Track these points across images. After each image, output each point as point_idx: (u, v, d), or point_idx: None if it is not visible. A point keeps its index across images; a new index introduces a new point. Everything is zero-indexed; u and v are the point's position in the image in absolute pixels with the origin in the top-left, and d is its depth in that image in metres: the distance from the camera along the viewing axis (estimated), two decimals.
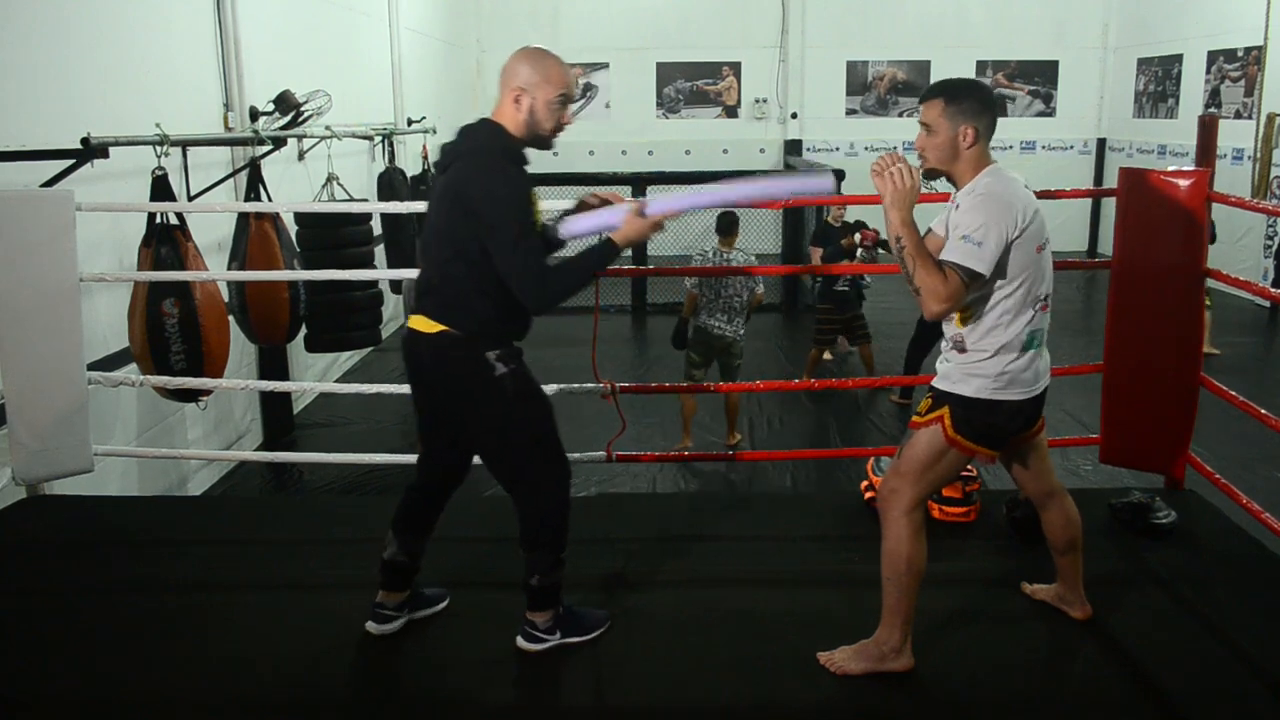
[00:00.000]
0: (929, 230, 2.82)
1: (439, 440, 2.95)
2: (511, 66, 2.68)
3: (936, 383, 2.74)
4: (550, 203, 3.27)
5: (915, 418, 2.76)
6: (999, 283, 2.58)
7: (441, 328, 2.69)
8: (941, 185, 2.79)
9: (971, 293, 2.59)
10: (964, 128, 2.61)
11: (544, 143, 2.73)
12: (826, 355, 7.82)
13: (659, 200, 2.76)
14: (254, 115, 6.03)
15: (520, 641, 2.91)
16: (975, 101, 2.63)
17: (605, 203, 2.89)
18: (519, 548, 2.85)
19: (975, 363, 2.64)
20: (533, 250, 2.61)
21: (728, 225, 6.14)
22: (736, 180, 2.92)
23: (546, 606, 2.89)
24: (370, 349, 7.70)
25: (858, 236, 6.82)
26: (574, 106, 2.80)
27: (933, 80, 14.33)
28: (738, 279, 5.89)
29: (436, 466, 2.99)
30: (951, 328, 2.69)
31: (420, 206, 7.33)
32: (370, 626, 3.00)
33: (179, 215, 4.44)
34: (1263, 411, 3.62)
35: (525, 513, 2.83)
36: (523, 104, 2.66)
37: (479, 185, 2.59)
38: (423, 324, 2.72)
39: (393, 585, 3.00)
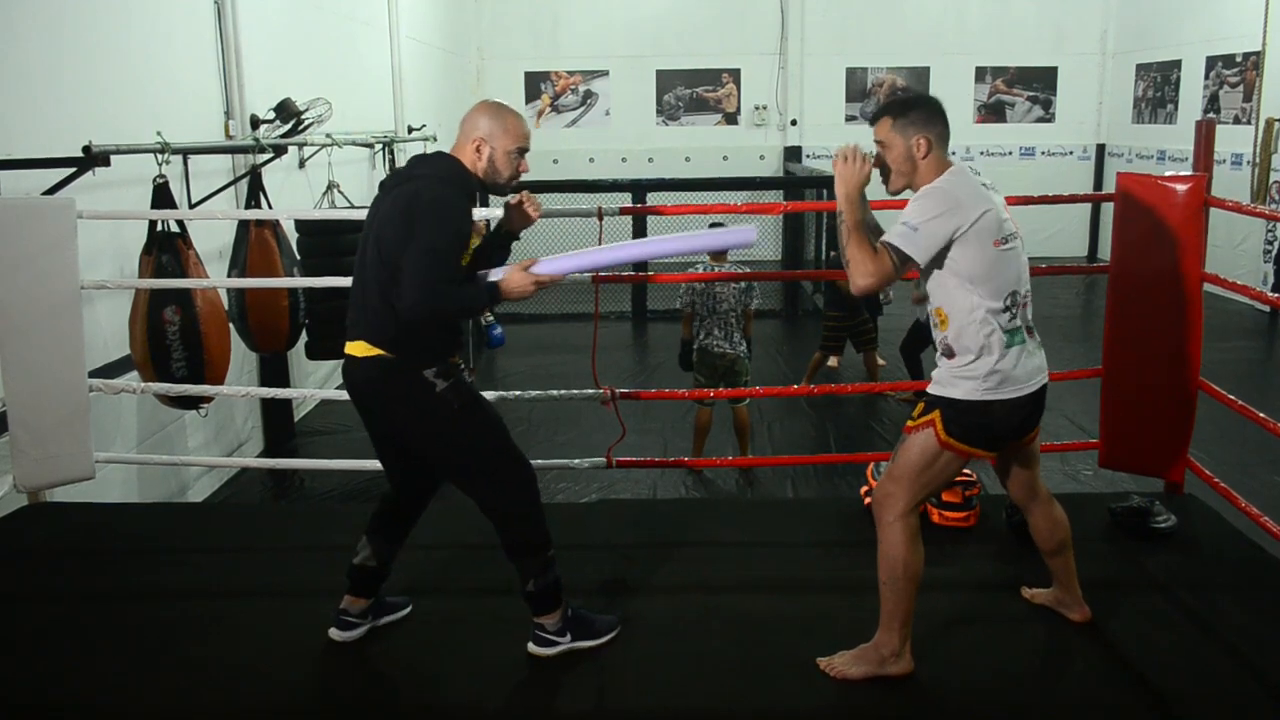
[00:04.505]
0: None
1: (397, 463, 2.97)
2: (473, 117, 2.80)
3: (929, 388, 2.77)
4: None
5: (909, 422, 2.78)
6: (963, 281, 2.62)
7: (377, 352, 2.72)
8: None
9: (903, 272, 2.66)
10: (916, 139, 2.67)
11: (500, 189, 2.87)
12: (831, 362, 7.80)
13: (549, 260, 2.81)
14: (255, 123, 6.04)
15: (531, 647, 2.92)
16: (922, 112, 2.69)
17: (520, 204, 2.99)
18: (507, 559, 2.86)
19: (963, 365, 2.67)
20: (443, 263, 2.62)
21: None
22: (646, 240, 2.96)
23: (551, 608, 2.89)
24: None
25: None
26: (529, 156, 2.89)
27: (931, 86, 14.39)
28: (730, 293, 5.62)
29: (401, 478, 3.00)
30: (938, 334, 2.73)
31: None
32: (333, 633, 3.01)
33: (180, 223, 4.45)
34: (1261, 416, 3.63)
35: (498, 523, 2.85)
36: (483, 152, 2.78)
37: (426, 202, 2.64)
38: (359, 349, 2.75)
39: (359, 591, 3.01)
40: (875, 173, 2.77)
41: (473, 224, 2.74)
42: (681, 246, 2.95)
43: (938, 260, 2.62)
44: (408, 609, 3.15)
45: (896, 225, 2.62)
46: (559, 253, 2.88)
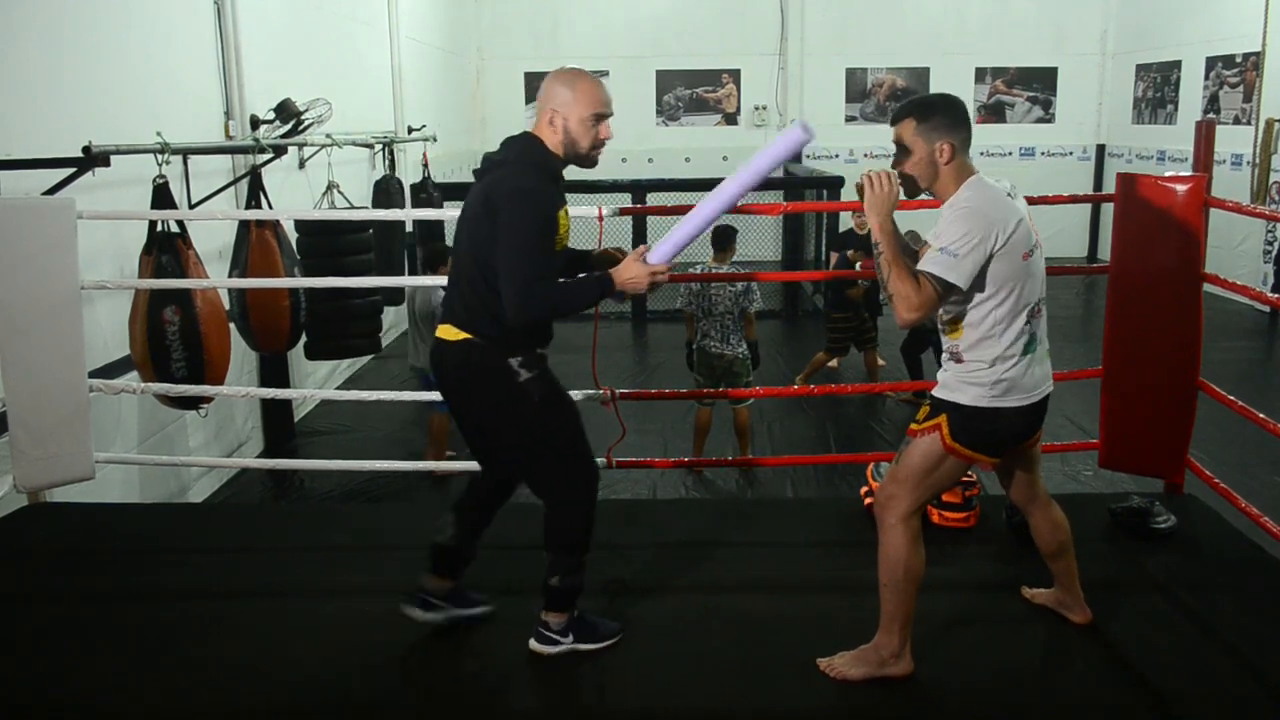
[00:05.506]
0: (924, 241, 2.85)
1: (484, 442, 2.97)
2: (546, 88, 2.75)
3: (935, 391, 2.75)
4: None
5: (913, 425, 2.77)
6: (988, 294, 2.59)
7: (465, 336, 2.72)
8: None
9: (946, 303, 2.60)
10: (939, 144, 2.60)
11: (584, 160, 2.80)
12: (832, 363, 7.79)
13: (659, 246, 2.78)
14: (255, 123, 6.04)
15: (533, 643, 2.91)
16: (947, 117, 2.62)
17: (613, 260, 2.93)
18: (544, 548, 2.86)
19: (972, 372, 2.65)
20: (533, 261, 2.61)
21: (723, 240, 5.76)
22: (727, 182, 2.89)
23: (563, 608, 2.89)
24: (370, 357, 7.72)
25: (859, 265, 6.84)
26: (612, 121, 2.81)
27: (931, 86, 14.42)
28: (727, 295, 5.60)
29: (490, 461, 3.00)
30: (947, 340, 2.71)
31: (419, 214, 7.40)
32: (414, 613, 2.98)
33: (180, 223, 4.45)
34: (1261, 416, 3.63)
35: (552, 514, 2.85)
36: (557, 124, 2.72)
37: (506, 190, 2.63)
38: (449, 333, 2.76)
39: (441, 570, 2.99)
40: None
41: (558, 205, 2.71)
42: (760, 169, 2.87)
43: None
44: (486, 608, 3.10)
45: (934, 252, 2.54)
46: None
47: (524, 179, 2.65)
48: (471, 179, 2.87)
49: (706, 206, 2.88)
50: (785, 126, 14.00)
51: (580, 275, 2.84)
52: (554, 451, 2.82)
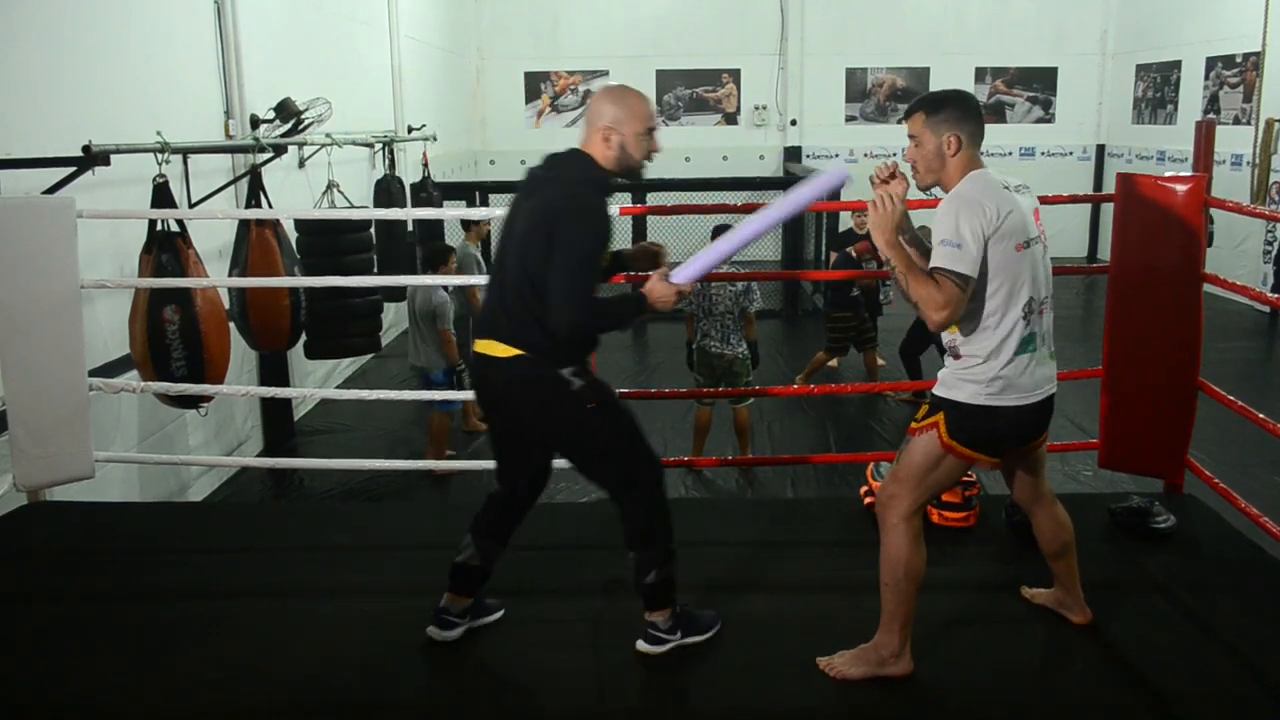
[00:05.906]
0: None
1: (518, 459, 2.98)
2: (597, 107, 2.80)
3: (935, 389, 2.76)
4: None
5: (913, 424, 2.77)
6: (981, 284, 2.60)
7: (516, 352, 2.74)
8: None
9: (970, 291, 2.60)
10: (947, 136, 2.64)
11: (635, 173, 2.85)
12: (832, 363, 7.78)
13: (685, 266, 2.83)
14: (255, 123, 6.05)
15: (642, 645, 2.91)
16: (955, 110, 2.66)
17: (649, 253, 3.01)
18: (627, 549, 2.88)
19: (968, 368, 2.66)
20: (585, 276, 2.67)
21: None
22: (749, 218, 2.91)
23: (664, 604, 2.89)
24: (370, 356, 7.73)
25: (853, 251, 6.87)
26: (659, 134, 2.87)
27: (931, 86, 14.44)
28: (727, 295, 5.62)
29: (517, 478, 3.01)
30: (946, 335, 2.71)
31: (419, 214, 7.39)
32: (432, 632, 2.99)
33: (180, 222, 4.45)
34: (1261, 416, 3.62)
35: (630, 512, 2.87)
36: (613, 140, 2.77)
37: (566, 208, 2.67)
38: (495, 349, 2.76)
39: (461, 589, 3.00)
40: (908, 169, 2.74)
41: (612, 225, 2.77)
42: (793, 207, 2.90)
43: None
44: (501, 612, 3.14)
45: (938, 248, 2.57)
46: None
47: (584, 194, 2.70)
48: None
49: (739, 235, 2.88)
50: (786, 128, 14.15)
51: (623, 294, 2.88)
52: (615, 451, 2.85)
